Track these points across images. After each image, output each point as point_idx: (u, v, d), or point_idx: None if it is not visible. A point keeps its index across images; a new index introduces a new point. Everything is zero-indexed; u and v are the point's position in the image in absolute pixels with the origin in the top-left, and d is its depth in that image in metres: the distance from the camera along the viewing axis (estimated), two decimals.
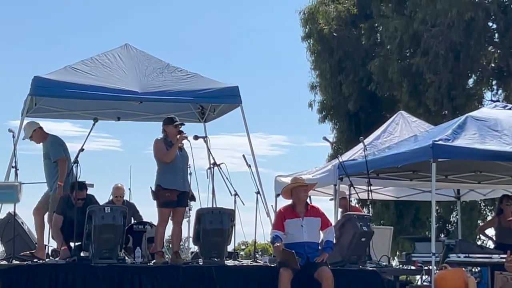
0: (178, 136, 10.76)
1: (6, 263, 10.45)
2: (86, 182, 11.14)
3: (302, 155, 57.84)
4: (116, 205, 11.68)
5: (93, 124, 11.06)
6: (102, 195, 11.87)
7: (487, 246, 14.54)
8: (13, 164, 10.84)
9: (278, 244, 10.13)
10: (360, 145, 13.58)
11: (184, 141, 10.93)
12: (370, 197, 12.78)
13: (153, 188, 10.77)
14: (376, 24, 24.96)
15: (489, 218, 20.99)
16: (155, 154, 10.83)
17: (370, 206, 22.81)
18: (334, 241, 10.49)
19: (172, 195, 10.65)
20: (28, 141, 11.63)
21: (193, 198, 11.15)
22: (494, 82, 23.72)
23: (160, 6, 54.46)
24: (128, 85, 11.89)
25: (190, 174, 11.33)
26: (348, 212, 12.06)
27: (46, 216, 11.30)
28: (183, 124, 10.98)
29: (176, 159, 10.73)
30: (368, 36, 25.13)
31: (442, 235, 23.18)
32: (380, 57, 23.59)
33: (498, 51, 22.86)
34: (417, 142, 12.34)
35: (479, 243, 16.58)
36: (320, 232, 10.46)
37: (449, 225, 25.04)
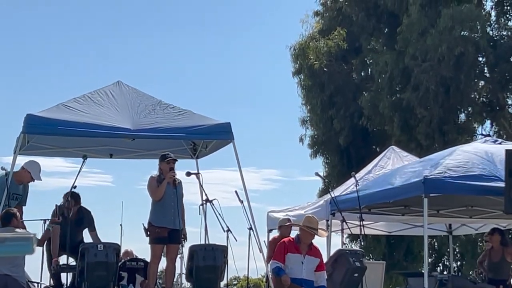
0: (167, 175, 10.78)
1: None
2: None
3: (294, 189, 57.82)
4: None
5: (83, 162, 11.12)
6: None
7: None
8: (6, 202, 10.82)
9: (287, 278, 9.98)
10: (352, 180, 13.60)
11: (180, 177, 10.95)
12: (362, 232, 12.76)
13: (145, 225, 10.78)
14: (367, 59, 25.14)
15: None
16: (148, 191, 10.87)
17: (361, 240, 22.75)
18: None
19: (162, 232, 10.62)
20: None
21: (184, 237, 11.13)
22: (484, 116, 23.86)
23: (152, 42, 54.68)
24: (121, 122, 11.87)
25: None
26: (340, 248, 12.04)
27: None
28: (176, 160, 10.99)
29: (167, 197, 10.70)
30: (358, 70, 25.31)
31: (438, 269, 23.16)
32: (371, 91, 23.72)
33: (489, 86, 23.03)
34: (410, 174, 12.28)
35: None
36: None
37: (444, 259, 24.95)
